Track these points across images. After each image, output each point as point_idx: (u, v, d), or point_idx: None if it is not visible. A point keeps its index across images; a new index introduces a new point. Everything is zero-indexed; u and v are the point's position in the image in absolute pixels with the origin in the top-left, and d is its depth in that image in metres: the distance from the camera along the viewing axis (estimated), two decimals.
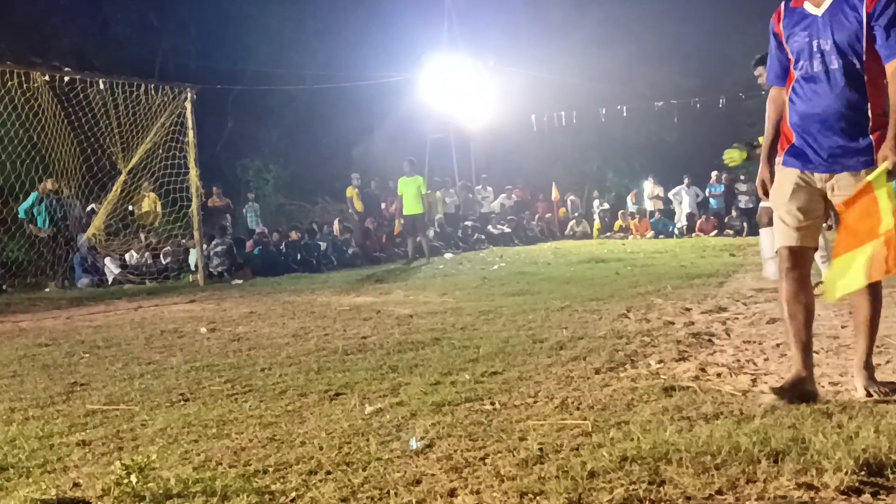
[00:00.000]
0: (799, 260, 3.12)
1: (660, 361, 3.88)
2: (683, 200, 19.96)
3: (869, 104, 2.95)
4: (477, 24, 24.36)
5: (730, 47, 25.28)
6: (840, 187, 3.03)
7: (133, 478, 2.25)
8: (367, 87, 22.64)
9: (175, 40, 22.05)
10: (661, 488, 2.13)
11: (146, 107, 10.83)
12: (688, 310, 5.69)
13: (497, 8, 24.76)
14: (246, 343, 5.22)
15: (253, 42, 22.37)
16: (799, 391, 2.97)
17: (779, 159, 3.22)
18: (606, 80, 22.76)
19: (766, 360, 3.85)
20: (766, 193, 3.24)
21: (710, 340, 4.43)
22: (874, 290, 3.05)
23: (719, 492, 2.10)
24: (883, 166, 2.81)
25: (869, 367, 3.10)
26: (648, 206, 20.76)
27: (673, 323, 5.09)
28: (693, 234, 18.76)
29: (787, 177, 3.15)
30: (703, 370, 3.64)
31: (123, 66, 16.14)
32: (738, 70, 25.27)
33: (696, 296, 6.55)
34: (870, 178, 2.82)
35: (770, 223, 7.52)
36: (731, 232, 18.21)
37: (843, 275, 2.88)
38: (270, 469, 2.45)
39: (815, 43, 3.01)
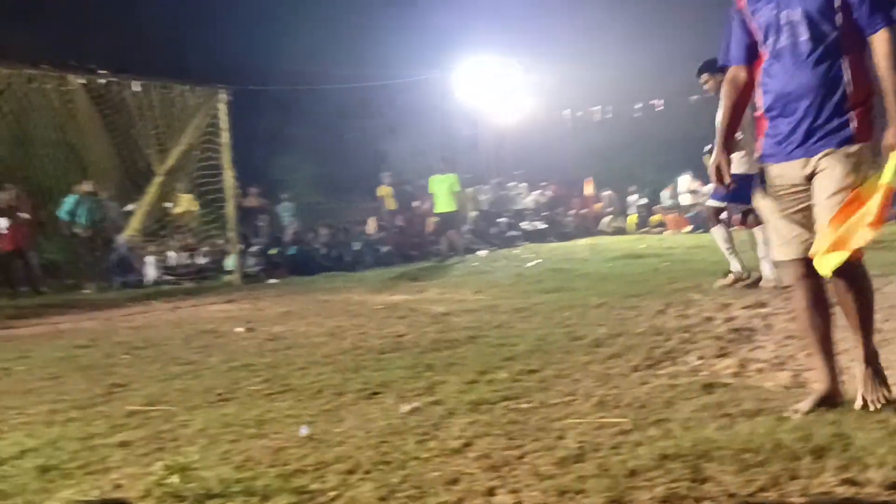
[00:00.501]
0: (810, 271, 2.79)
1: (699, 358, 3.82)
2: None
3: (847, 79, 2.68)
4: (510, 20, 24.26)
5: None
6: (819, 168, 2.76)
7: (174, 478, 2.28)
8: (400, 85, 22.70)
9: (208, 41, 22.30)
10: (703, 486, 2.10)
11: (181, 108, 11.00)
12: (727, 305, 5.60)
13: (530, 4, 24.64)
14: (283, 342, 5.26)
15: (285, 42, 22.55)
16: (829, 406, 2.75)
17: (757, 155, 2.98)
18: (641, 76, 22.52)
19: (808, 355, 3.76)
20: (721, 180, 2.99)
21: (750, 336, 4.35)
22: (856, 276, 2.73)
23: (762, 489, 2.06)
24: (893, 162, 2.56)
25: (872, 365, 2.78)
26: (686, 200, 20.48)
27: (712, 319, 5.02)
28: (732, 229, 18.45)
29: (771, 178, 2.88)
30: (743, 366, 3.58)
31: (157, 67, 16.38)
32: None
33: (735, 291, 6.44)
34: (883, 180, 2.57)
35: (718, 222, 7.52)
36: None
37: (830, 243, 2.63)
38: (309, 469, 2.46)
39: (782, 15, 2.76)
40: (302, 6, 22.75)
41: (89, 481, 2.47)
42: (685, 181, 20.79)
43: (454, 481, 2.28)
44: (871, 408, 2.65)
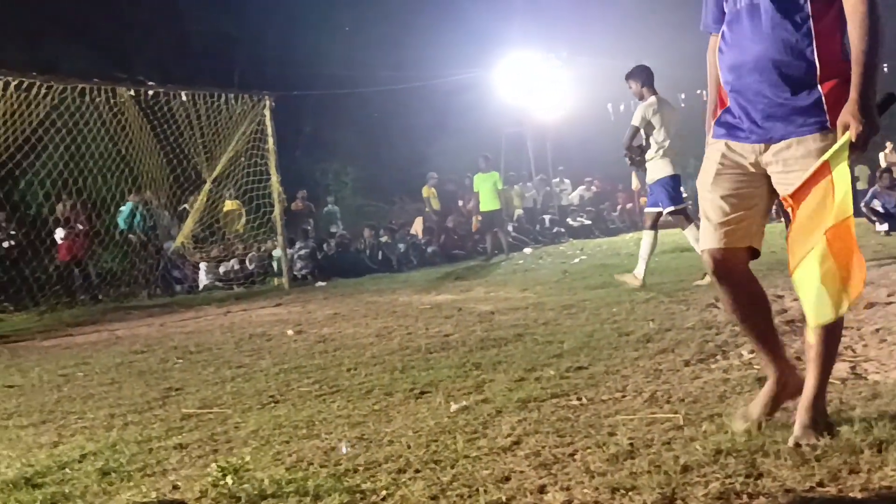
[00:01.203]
0: (729, 266, 2.43)
1: (752, 351, 3.72)
2: None
3: (814, 47, 2.25)
4: (548, 15, 24.15)
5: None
6: (783, 161, 2.31)
7: (229, 479, 2.32)
8: (441, 84, 22.76)
9: (252, 49, 22.68)
10: (759, 481, 2.06)
11: (227, 116, 11.19)
12: (780, 297, 5.49)
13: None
14: (331, 344, 5.32)
15: (327, 47, 22.80)
16: (785, 397, 2.50)
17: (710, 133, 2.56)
18: (684, 66, 22.13)
19: (865, 346, 3.68)
20: None
21: (804, 328, 4.23)
22: None
23: (820, 484, 2.01)
24: (844, 138, 2.15)
25: (816, 409, 2.33)
26: None
27: None
28: (782, 219, 18.07)
29: (712, 153, 2.51)
30: (798, 359, 3.48)
31: (203, 77, 16.73)
32: None
33: (788, 282, 6.24)
34: (826, 156, 2.17)
35: (652, 227, 7.49)
36: None
37: (815, 295, 2.18)
38: (360, 468, 2.48)
39: None
40: (342, 11, 22.96)
41: (148, 483, 2.53)
42: None
43: (505, 479, 2.28)
44: (807, 450, 2.23)
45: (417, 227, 16.31)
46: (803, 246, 2.21)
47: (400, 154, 24.31)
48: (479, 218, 14.96)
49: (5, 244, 11.35)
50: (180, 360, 5.20)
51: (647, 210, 7.48)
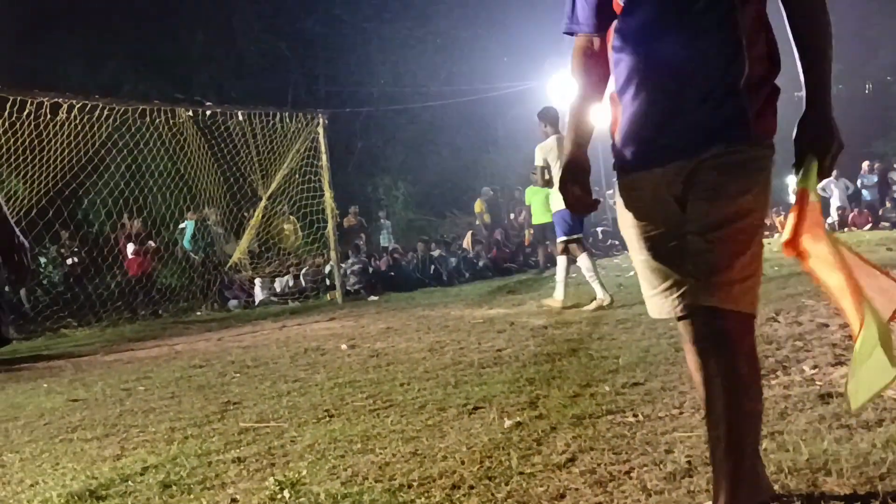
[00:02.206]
0: (705, 322, 1.80)
1: (814, 367, 3.65)
2: (833, 194, 18.76)
3: (743, 43, 1.76)
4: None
5: (873, 29, 23.71)
6: (701, 178, 1.80)
7: (286, 493, 2.36)
8: (492, 99, 22.81)
9: (305, 68, 23.08)
10: (821, 502, 2.00)
11: (282, 134, 11.43)
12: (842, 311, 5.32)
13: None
14: (385, 358, 5.35)
15: (377, 64, 23.08)
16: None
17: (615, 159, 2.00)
18: None
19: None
20: (582, 208, 2.01)
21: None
22: (731, 368, 1.75)
23: (884, 503, 1.95)
24: (812, 162, 1.81)
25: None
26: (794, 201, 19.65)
27: (827, 325, 4.78)
28: (845, 229, 17.61)
29: (626, 192, 1.97)
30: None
31: (259, 96, 17.11)
32: (884, 53, 23.72)
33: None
34: (801, 181, 1.81)
35: (565, 251, 7.64)
36: (886, 225, 16.97)
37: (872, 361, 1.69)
38: (415, 483, 2.49)
39: None
40: (392, 29, 23.23)
41: (207, 496, 2.58)
42: (794, 181, 19.94)
43: (560, 496, 2.26)
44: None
45: (468, 240, 16.33)
46: (849, 297, 1.73)
47: (450, 168, 24.42)
48: (531, 231, 14.90)
49: (69, 261, 11.75)
50: (238, 375, 5.30)
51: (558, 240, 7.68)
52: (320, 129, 11.69)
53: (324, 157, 11.70)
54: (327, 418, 3.59)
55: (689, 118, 1.80)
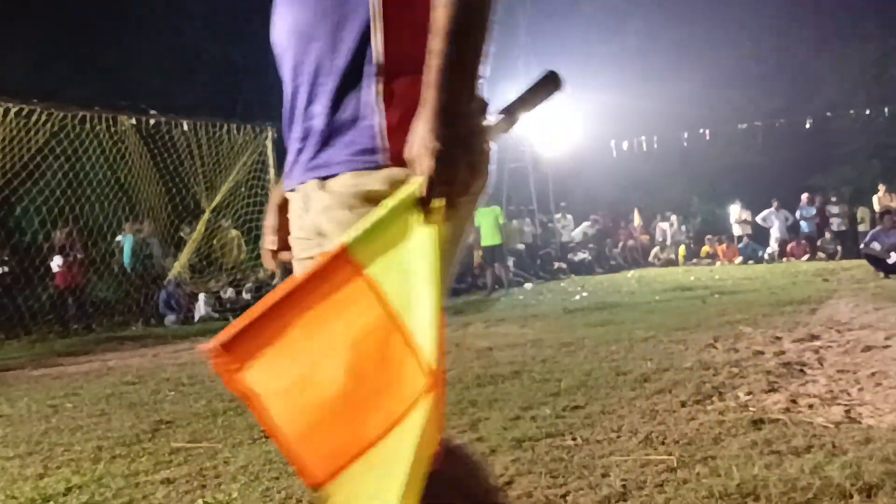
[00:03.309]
0: None
1: (749, 393, 3.72)
2: (773, 224, 19.30)
3: (378, 39, 1.25)
4: (551, 51, 24.42)
5: (813, 67, 24.61)
6: (296, 222, 1.43)
7: None
8: None
9: (258, 79, 22.87)
10: None
11: (229, 146, 11.29)
12: (778, 338, 5.46)
13: (571, 35, 24.79)
14: None
15: None
16: None
17: None
18: (687, 103, 22.40)
19: (860, 389, 3.65)
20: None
21: (801, 370, 4.23)
22: None
23: None
24: (408, 189, 1.13)
25: None
26: (736, 230, 20.17)
27: (762, 352, 4.89)
28: (784, 259, 18.10)
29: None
30: (794, 402, 3.47)
31: (207, 106, 16.88)
32: (825, 88, 24.60)
33: (786, 323, 6.29)
34: (360, 232, 1.09)
35: None
36: (823, 256, 17.50)
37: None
38: None
39: None
40: None
41: None
42: (735, 211, 20.47)
43: None
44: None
45: None
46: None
47: None
48: (481, 252, 14.97)
49: None
50: (172, 392, 5.16)
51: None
52: (269, 143, 11.59)
53: (271, 171, 11.60)
54: (263, 439, 3.51)
55: (303, 129, 1.38)
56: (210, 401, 4.69)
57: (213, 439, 3.61)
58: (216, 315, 12.10)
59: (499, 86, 21.82)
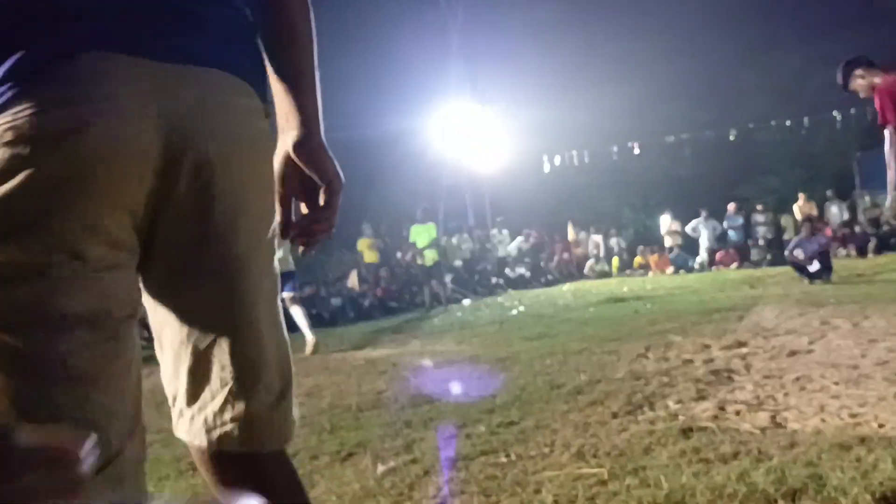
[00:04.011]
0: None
1: (678, 402, 3.79)
2: (702, 234, 19.85)
3: None
4: (484, 68, 24.72)
5: (738, 80, 25.52)
6: None
7: None
8: (380, 135, 22.93)
9: None
10: None
11: None
12: (707, 346, 5.59)
13: (503, 52, 25.14)
14: None
15: None
16: None
17: None
18: (616, 117, 22.95)
19: (785, 394, 3.76)
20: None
21: (729, 377, 4.33)
22: None
23: None
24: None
25: None
26: (667, 241, 20.67)
27: (692, 361, 5.00)
28: (713, 268, 18.61)
29: None
30: (722, 409, 3.55)
31: None
32: (748, 101, 25.51)
33: (715, 331, 6.45)
34: None
35: (294, 302, 8.82)
36: (750, 264, 18.06)
37: None
38: None
39: None
40: None
41: None
42: (665, 221, 20.99)
43: None
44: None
45: (354, 279, 16.19)
46: None
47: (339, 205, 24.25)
48: (419, 261, 14.89)
49: None
50: None
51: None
52: None
53: None
54: (191, 471, 3.41)
55: None
56: None
57: None
58: (145, 343, 11.75)
59: (433, 101, 21.99)
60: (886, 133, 5.14)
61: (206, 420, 1.19)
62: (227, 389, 1.17)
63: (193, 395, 1.20)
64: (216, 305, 1.15)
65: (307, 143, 1.25)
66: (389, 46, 24.53)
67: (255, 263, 1.17)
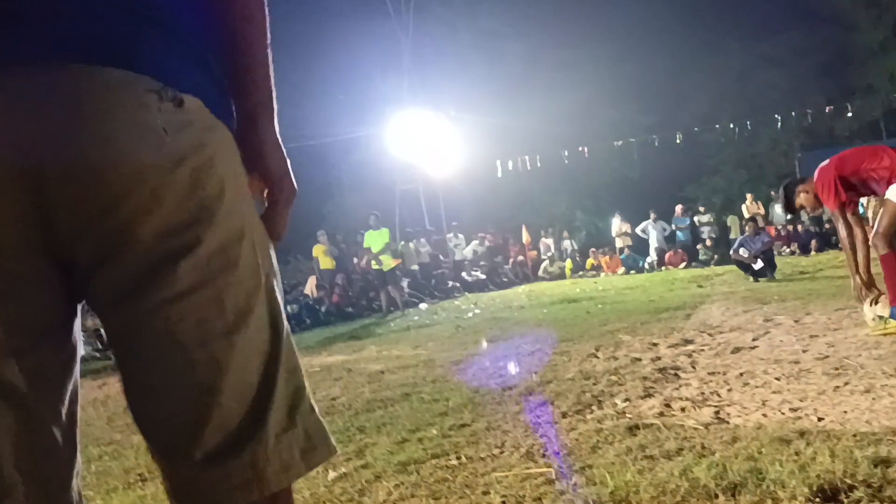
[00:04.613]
0: None
1: (626, 400, 3.87)
2: (651, 235, 20.19)
3: None
4: (435, 76, 24.82)
5: (682, 83, 26.05)
6: None
7: None
8: (335, 144, 22.87)
9: None
10: None
11: None
12: (655, 345, 5.71)
13: (453, 60, 25.26)
14: None
15: None
16: None
17: None
18: (567, 122, 23.22)
19: (729, 390, 3.86)
20: None
21: (675, 374, 4.44)
22: None
23: None
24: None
25: None
26: (618, 242, 20.98)
27: (640, 359, 5.10)
28: (663, 268, 18.93)
29: None
30: (667, 405, 3.64)
31: None
32: (693, 104, 26.06)
33: (663, 330, 6.58)
34: None
35: None
36: (699, 263, 18.41)
37: None
38: None
39: None
40: None
41: None
42: (616, 223, 21.31)
43: None
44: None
45: (311, 286, 16.09)
46: None
47: (293, 212, 24.03)
48: (375, 266, 14.83)
49: None
50: None
51: None
52: None
53: None
54: (139, 483, 3.38)
55: None
56: (86, 446, 4.45)
57: (85, 486, 3.43)
58: (98, 355, 11.52)
59: (385, 109, 22.00)
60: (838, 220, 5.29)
61: None
62: None
63: None
64: None
65: (251, 137, 1.15)
66: (342, 58, 24.46)
67: None
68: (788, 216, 10.13)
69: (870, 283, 5.13)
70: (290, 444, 1.05)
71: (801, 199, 5.66)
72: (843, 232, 5.17)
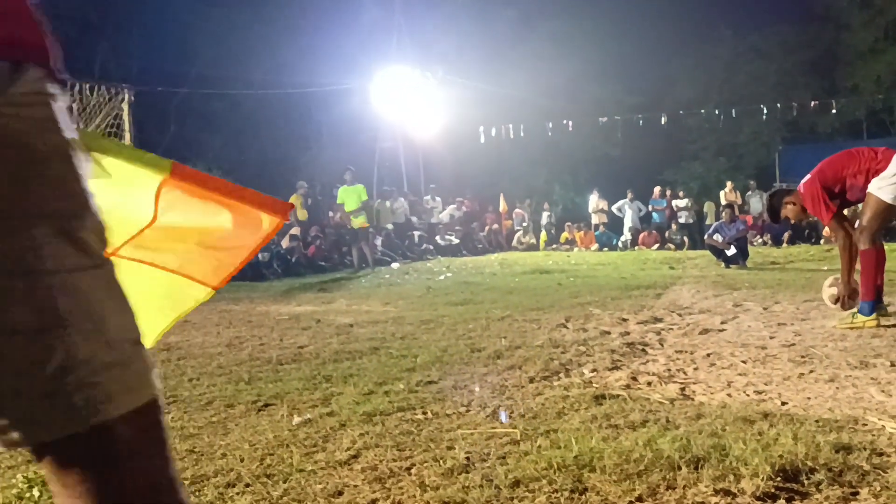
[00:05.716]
0: None
1: (593, 370, 3.89)
2: (626, 214, 20.28)
3: None
4: (425, 35, 24.49)
5: (670, 67, 26.01)
6: None
7: (35, 491, 2.15)
8: (317, 94, 22.53)
9: (116, 40, 21.60)
10: (583, 496, 2.12)
11: (80, 107, 10.53)
12: (624, 320, 5.74)
13: (445, 20, 24.92)
14: (176, 353, 5.07)
15: (198, 45, 22.06)
16: None
17: None
18: (553, 95, 23.09)
19: (695, 369, 3.90)
20: None
21: (643, 350, 4.47)
22: None
23: (639, 498, 2.10)
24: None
25: None
26: (594, 219, 21.05)
27: (609, 333, 5.13)
28: (636, 248, 19.06)
29: None
30: (634, 379, 3.66)
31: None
32: (679, 88, 26.06)
33: (633, 307, 6.62)
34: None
35: None
36: (671, 246, 18.55)
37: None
38: (186, 481, 2.36)
39: None
40: (215, 10, 22.30)
41: None
42: (593, 200, 21.35)
43: (337, 493, 2.23)
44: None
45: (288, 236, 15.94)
46: None
47: (271, 160, 23.82)
48: (348, 223, 14.75)
49: None
50: None
51: None
52: (125, 106, 10.92)
53: (127, 135, 10.95)
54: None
55: None
56: None
57: None
58: None
59: (371, 64, 21.67)
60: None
61: None
62: None
63: None
64: None
65: None
66: (332, 7, 24.00)
67: None
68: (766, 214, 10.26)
69: (853, 293, 5.20)
70: None
71: (788, 210, 5.69)
72: (842, 242, 5.21)
